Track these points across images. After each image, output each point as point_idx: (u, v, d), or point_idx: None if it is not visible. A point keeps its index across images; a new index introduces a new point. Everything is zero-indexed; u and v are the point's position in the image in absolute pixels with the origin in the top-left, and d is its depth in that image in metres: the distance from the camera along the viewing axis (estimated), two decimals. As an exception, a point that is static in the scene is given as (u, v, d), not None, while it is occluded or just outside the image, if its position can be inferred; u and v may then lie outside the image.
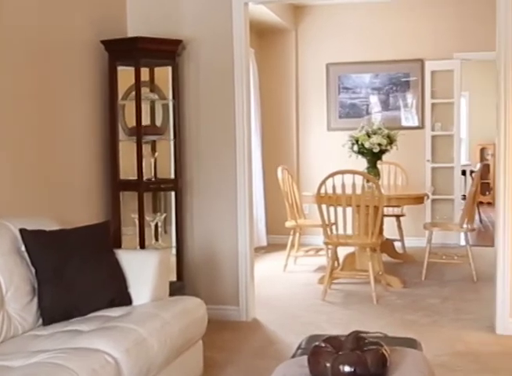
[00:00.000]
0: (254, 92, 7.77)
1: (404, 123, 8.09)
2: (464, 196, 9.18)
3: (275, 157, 8.12)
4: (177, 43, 4.65)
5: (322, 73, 8.31)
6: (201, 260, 4.89)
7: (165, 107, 4.87)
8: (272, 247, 7.90)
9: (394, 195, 5.98)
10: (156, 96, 4.84)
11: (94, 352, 2.54)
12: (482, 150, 13.27)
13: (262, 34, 8.30)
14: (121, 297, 3.24)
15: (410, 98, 8.10)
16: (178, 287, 4.42)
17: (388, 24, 8.05)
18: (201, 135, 4.86)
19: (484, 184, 11.85)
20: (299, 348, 2.66)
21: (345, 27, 8.17)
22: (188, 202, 4.89)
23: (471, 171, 10.55)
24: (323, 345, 2.19)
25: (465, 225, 6.10)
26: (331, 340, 2.21)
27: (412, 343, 2.62)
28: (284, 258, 6.70)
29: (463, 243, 7.39)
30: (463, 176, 9.72)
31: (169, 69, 4.75)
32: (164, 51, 4.63)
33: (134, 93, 4.54)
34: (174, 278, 4.67)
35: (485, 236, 8.81)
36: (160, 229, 4.76)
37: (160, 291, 3.33)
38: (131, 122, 4.64)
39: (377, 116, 8.07)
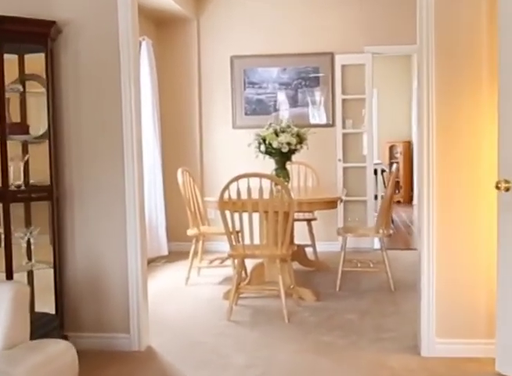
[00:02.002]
0: (151, 87, 7.07)
1: (311, 120, 7.60)
2: (376, 196, 8.84)
3: (177, 158, 7.49)
4: (49, 25, 3.88)
5: (226, 66, 7.72)
6: (85, 281, 4.15)
7: (41, 102, 4.13)
8: (175, 255, 7.23)
9: (306, 199, 5.40)
10: (28, 89, 4.09)
11: None
12: (391, 148, 13.09)
13: (161, 24, 7.62)
14: (-38, 345, 2.51)
15: (320, 94, 7.62)
16: (50, 320, 3.68)
17: (297, 15, 7.56)
18: (83, 136, 4.12)
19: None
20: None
21: (251, 17, 7.62)
22: (68, 213, 4.14)
23: (382, 170, 10.27)
24: None
25: (381, 231, 5.66)
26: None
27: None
28: (187, 270, 6.04)
29: (376, 246, 6.99)
30: (374, 176, 9.37)
31: (42, 56, 4.00)
32: (33, 34, 3.85)
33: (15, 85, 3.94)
34: (51, 306, 3.95)
35: (398, 238, 8.47)
36: (33, 247, 4.00)
37: (17, 334, 2.59)
38: (16, 119, 4.03)
39: (285, 113, 7.57)
